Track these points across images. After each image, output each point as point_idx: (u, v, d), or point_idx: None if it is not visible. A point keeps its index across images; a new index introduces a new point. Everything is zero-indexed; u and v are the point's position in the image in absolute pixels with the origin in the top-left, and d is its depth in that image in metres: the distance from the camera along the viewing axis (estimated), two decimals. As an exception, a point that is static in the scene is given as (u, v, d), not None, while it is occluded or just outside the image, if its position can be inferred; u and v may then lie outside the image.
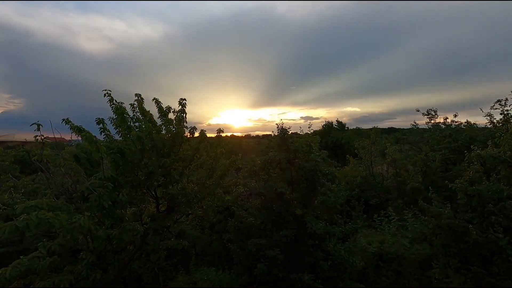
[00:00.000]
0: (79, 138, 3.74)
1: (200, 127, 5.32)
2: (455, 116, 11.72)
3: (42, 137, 3.60)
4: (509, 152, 5.99)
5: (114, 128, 4.47)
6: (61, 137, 4.00)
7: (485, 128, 10.41)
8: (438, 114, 11.96)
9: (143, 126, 4.59)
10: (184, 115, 5.08)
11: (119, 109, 4.37)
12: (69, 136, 3.79)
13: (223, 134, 5.64)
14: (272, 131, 6.84)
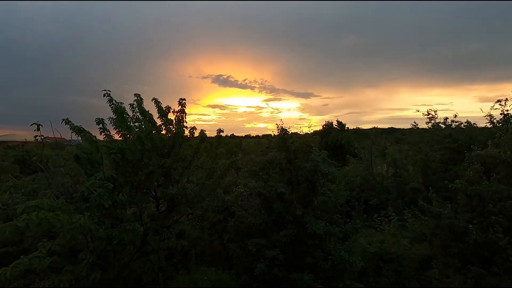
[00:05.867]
0: (79, 138, 3.74)
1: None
2: (455, 116, 11.77)
3: (42, 137, 3.60)
4: (509, 152, 5.98)
5: (114, 128, 4.47)
6: (61, 137, 4.00)
7: (485, 128, 10.41)
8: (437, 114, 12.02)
9: (143, 126, 4.59)
10: (184, 115, 5.07)
11: (118, 109, 4.36)
12: (69, 135, 3.80)
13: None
14: (272, 131, 6.86)
